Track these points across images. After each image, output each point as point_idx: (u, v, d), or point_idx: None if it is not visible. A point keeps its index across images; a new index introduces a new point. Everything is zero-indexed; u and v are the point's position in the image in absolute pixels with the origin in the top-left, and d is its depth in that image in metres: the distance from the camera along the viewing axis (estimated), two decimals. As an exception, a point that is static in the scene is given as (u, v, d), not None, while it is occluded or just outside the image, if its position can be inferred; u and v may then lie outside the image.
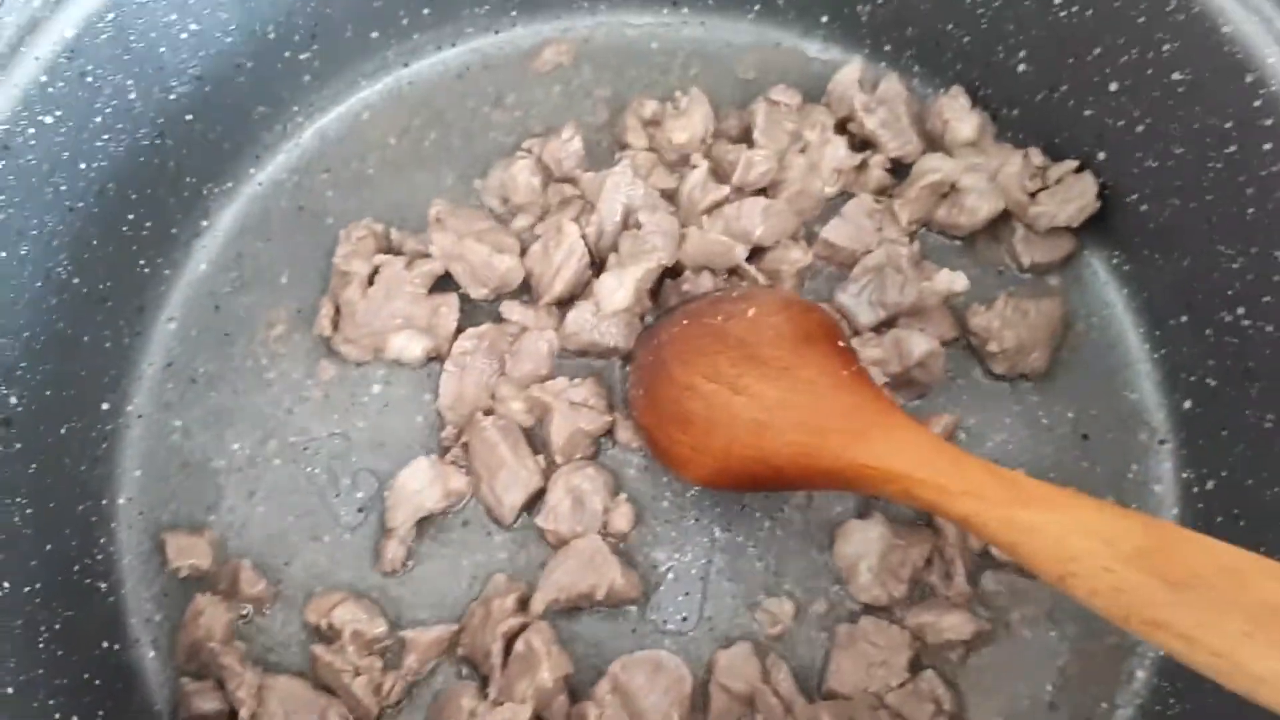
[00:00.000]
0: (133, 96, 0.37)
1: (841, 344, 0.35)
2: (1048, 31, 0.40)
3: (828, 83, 0.44)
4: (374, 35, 0.44)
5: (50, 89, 0.34)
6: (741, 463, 0.34)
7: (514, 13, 0.46)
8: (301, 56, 0.42)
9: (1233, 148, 0.35)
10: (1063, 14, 0.39)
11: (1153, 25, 0.36)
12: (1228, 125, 0.35)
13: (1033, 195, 0.41)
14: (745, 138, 0.44)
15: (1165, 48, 0.36)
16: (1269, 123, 0.34)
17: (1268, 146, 0.34)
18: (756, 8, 0.46)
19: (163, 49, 0.37)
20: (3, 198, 0.33)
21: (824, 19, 0.46)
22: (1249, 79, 0.34)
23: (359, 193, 0.43)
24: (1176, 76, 0.36)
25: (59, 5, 0.34)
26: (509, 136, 0.45)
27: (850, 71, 0.44)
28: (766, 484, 0.35)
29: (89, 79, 0.35)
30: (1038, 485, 0.29)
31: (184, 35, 0.37)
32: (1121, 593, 0.26)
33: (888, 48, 0.45)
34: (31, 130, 0.33)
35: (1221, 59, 0.35)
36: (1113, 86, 0.39)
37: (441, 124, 0.45)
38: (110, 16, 0.35)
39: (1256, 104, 0.34)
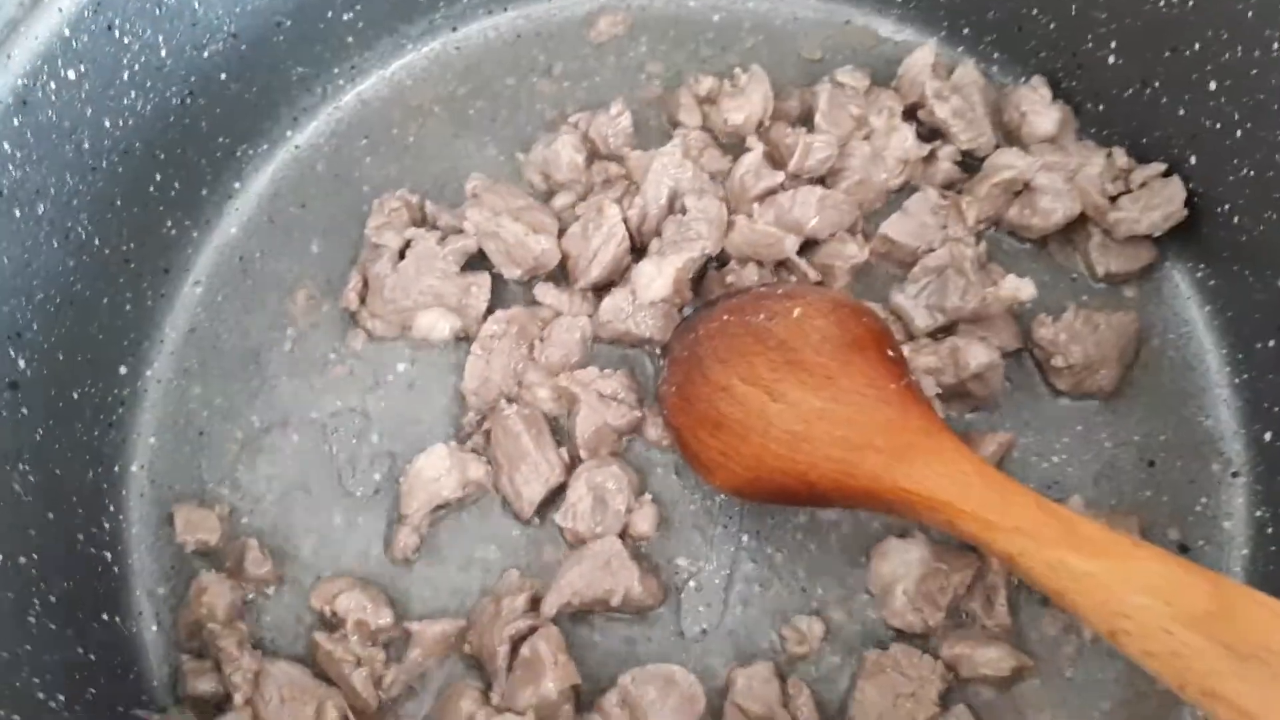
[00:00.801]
0: (163, 53, 0.35)
1: (892, 353, 0.33)
2: (1143, 22, 0.36)
3: (898, 66, 0.41)
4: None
5: (74, 42, 0.32)
6: (773, 474, 0.32)
7: (579, -25, 0.44)
8: (345, 17, 0.41)
9: (1343, 161, 0.32)
10: (1161, 3, 0.35)
11: (1262, 21, 0.33)
12: (1339, 136, 0.32)
13: (1113, 199, 0.38)
14: (806, 121, 0.41)
15: (1275, 47, 0.32)
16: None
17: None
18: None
19: (196, 4, 0.36)
20: (20, 154, 0.32)
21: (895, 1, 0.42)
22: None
23: (398, 161, 0.42)
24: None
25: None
26: (557, 109, 0.43)
27: (923, 55, 0.41)
28: (799, 499, 0.33)
29: (116, 33, 0.34)
30: (1094, 528, 0.27)
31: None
32: (1180, 658, 0.24)
33: (966, 31, 0.42)
34: (53, 85, 0.32)
35: (1339, 62, 0.31)
36: (1211, 85, 0.35)
37: (488, 93, 0.43)
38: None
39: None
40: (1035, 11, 0.39)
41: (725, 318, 0.35)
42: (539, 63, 0.43)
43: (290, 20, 0.39)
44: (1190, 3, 0.35)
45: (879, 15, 0.43)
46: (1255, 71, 0.34)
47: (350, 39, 0.41)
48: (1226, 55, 0.34)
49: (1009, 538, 0.27)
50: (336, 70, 0.42)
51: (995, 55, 0.42)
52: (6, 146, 0.31)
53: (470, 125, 0.42)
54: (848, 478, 0.30)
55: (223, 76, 0.38)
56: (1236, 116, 0.35)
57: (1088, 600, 0.25)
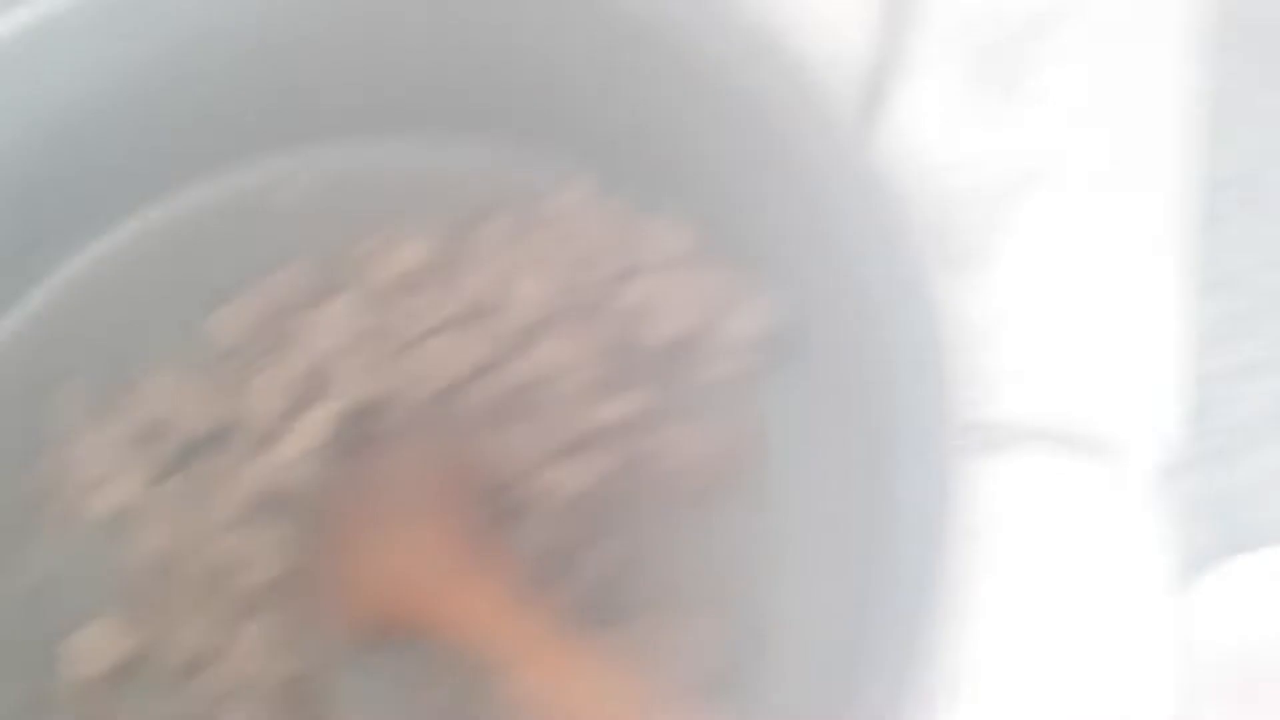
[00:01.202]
0: None
1: (470, 501, 0.37)
2: (725, 166, 0.41)
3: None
4: (104, 189, 0.46)
5: None
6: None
7: (250, 148, 0.48)
8: (26, 234, 0.44)
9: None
10: (733, 153, 0.40)
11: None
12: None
13: (715, 315, 0.42)
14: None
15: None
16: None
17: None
18: (476, 131, 0.47)
19: None
20: None
21: (539, 143, 0.47)
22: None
23: (84, 342, 0.45)
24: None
25: None
26: (239, 271, 0.46)
27: (559, 197, 0.45)
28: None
29: None
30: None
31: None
32: None
33: (598, 167, 0.46)
34: None
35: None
36: (775, 225, 0.40)
37: (178, 260, 0.47)
38: None
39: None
40: (655, 155, 0.44)
41: (352, 467, 0.39)
42: (224, 228, 0.47)
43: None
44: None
45: (526, 158, 0.47)
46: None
47: (43, 242, 0.45)
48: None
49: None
50: (32, 266, 0.45)
51: (629, 184, 0.46)
52: None
53: (156, 296, 0.45)
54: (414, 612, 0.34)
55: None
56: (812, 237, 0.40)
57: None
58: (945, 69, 0.53)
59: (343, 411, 0.41)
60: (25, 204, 0.44)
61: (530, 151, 0.47)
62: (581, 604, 0.38)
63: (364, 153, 0.48)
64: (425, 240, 0.45)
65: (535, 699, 0.30)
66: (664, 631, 0.39)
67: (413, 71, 0.45)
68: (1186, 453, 0.46)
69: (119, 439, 0.41)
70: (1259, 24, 0.62)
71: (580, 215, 0.45)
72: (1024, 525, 0.44)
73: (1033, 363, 0.47)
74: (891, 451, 0.33)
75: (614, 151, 0.46)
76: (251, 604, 0.39)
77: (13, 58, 0.40)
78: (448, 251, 0.46)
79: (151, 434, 0.42)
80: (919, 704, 0.30)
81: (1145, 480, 0.45)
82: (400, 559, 0.34)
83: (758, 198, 0.41)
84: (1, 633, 0.41)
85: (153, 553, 0.40)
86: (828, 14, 0.54)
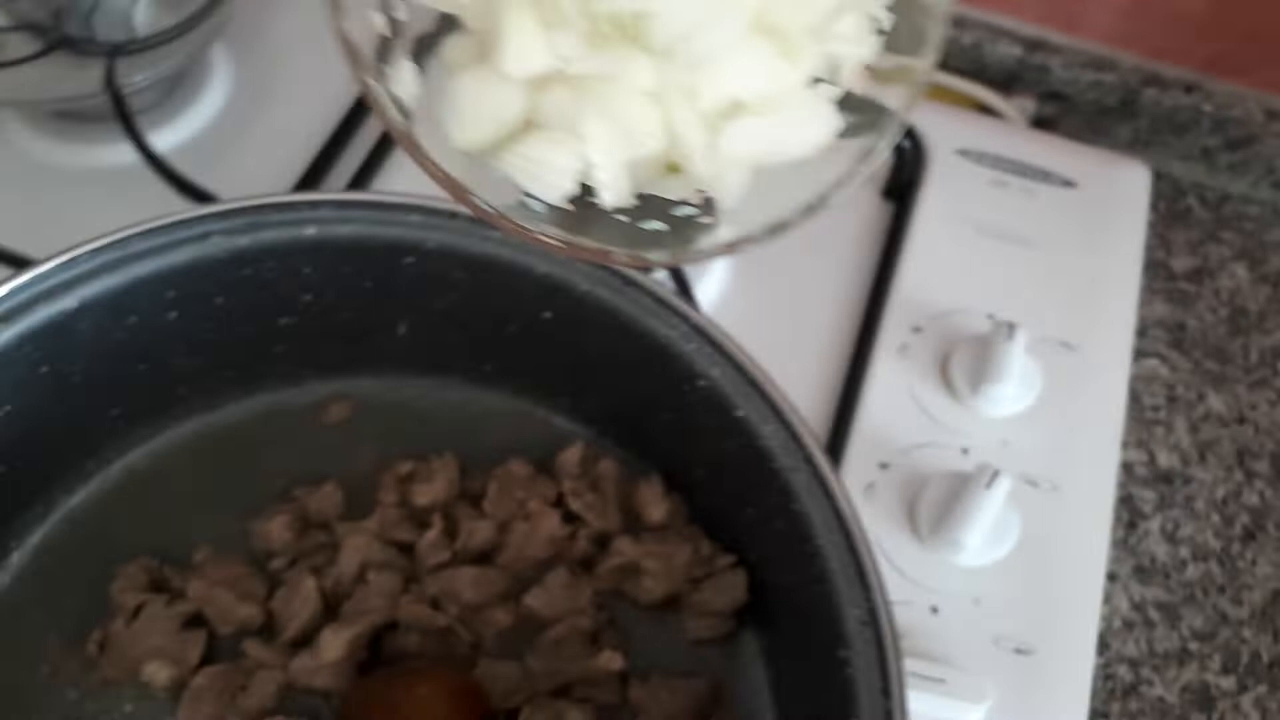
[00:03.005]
0: (-53, 462, 0.45)
1: None
2: (707, 455, 0.49)
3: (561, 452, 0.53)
4: (180, 391, 0.53)
5: None
6: None
7: (309, 371, 0.55)
8: (113, 412, 0.51)
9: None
10: (715, 446, 0.48)
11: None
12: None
13: (697, 582, 0.49)
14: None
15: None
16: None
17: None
18: (514, 382, 0.55)
19: (-23, 424, 0.46)
20: None
21: (564, 400, 0.55)
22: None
23: (148, 526, 0.52)
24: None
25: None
26: (286, 480, 0.53)
27: (571, 453, 0.53)
28: None
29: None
30: None
31: (0, 415, 0.46)
32: None
33: (610, 431, 0.54)
34: None
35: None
36: (749, 512, 0.47)
37: (232, 464, 0.54)
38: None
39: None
40: (653, 433, 0.51)
41: (375, 687, 0.45)
42: (278, 439, 0.54)
43: (65, 423, 0.49)
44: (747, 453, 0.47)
45: (554, 412, 0.55)
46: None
47: (120, 425, 0.52)
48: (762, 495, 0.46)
49: None
50: (107, 448, 0.52)
51: (631, 450, 0.54)
52: None
53: (214, 493, 0.53)
54: None
55: (3, 469, 0.48)
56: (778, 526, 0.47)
57: None
58: (909, 367, 0.61)
59: (363, 633, 0.47)
60: (106, 392, 0.51)
61: (547, 406, 0.55)
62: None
63: (404, 387, 0.55)
64: (450, 473, 0.52)
65: None
66: None
67: (456, 326, 0.53)
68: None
69: (171, 621, 0.48)
70: (1195, 330, 0.71)
71: (584, 472, 0.52)
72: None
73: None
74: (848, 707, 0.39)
75: (616, 422, 0.53)
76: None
77: (115, 262, 0.45)
78: (471, 487, 0.53)
79: (199, 621, 0.48)
80: None
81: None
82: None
83: (730, 479, 0.48)
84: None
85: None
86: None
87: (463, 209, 0.42)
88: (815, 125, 0.26)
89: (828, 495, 0.40)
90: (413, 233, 0.47)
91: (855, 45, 0.26)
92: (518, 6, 0.24)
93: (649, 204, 0.27)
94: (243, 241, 0.46)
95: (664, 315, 0.45)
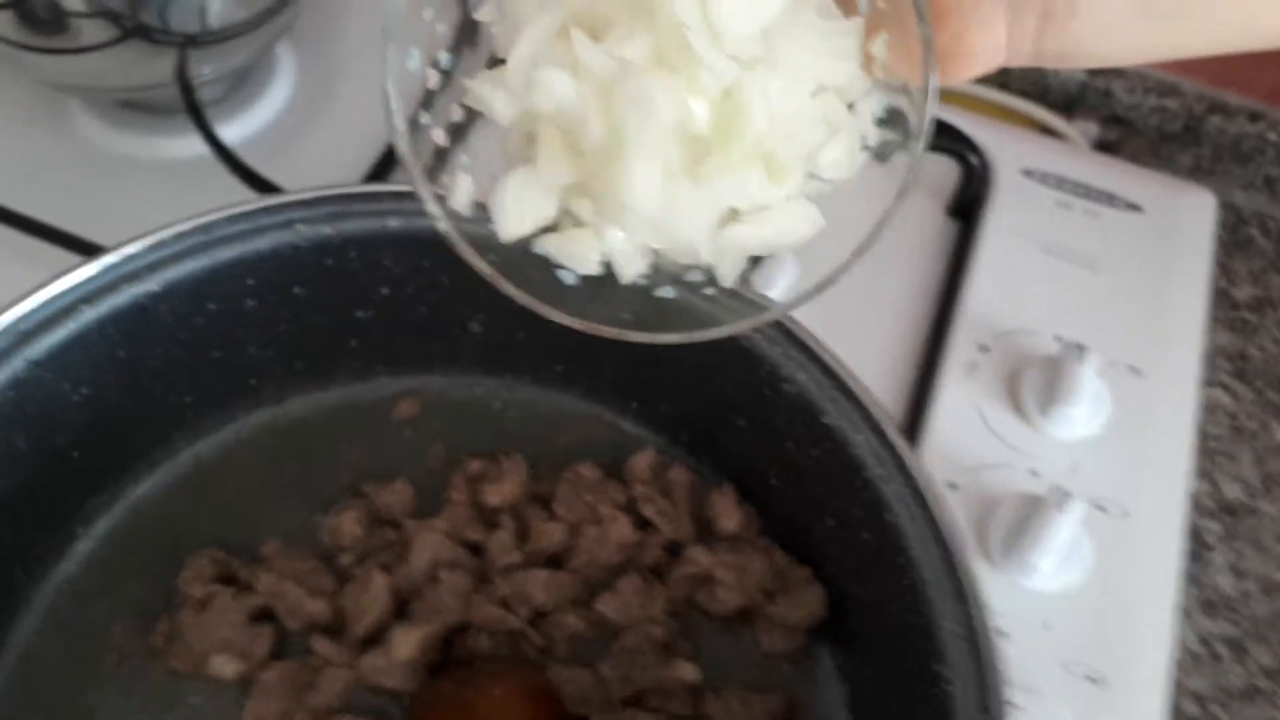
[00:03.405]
0: (22, 446, 0.45)
1: None
2: (788, 463, 0.48)
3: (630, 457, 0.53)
4: (252, 382, 0.52)
5: (-55, 451, 0.42)
6: None
7: (380, 366, 0.54)
8: (185, 400, 0.51)
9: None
10: (797, 453, 0.47)
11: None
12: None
13: (771, 595, 0.48)
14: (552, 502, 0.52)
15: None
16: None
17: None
18: (581, 384, 0.55)
19: (56, 409, 0.45)
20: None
21: (634, 404, 0.54)
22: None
23: (217, 517, 0.51)
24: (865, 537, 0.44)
25: (-33, 388, 0.42)
26: (355, 475, 0.52)
27: (641, 458, 0.52)
28: None
29: (-20, 439, 0.43)
30: None
31: (75, 398, 0.46)
32: None
33: (682, 437, 0.53)
34: (-82, 486, 0.41)
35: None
36: (830, 522, 0.46)
37: (301, 458, 0.53)
38: (10, 392, 0.43)
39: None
40: (728, 440, 0.51)
41: (447, 688, 0.44)
42: (347, 434, 0.54)
43: (137, 408, 0.49)
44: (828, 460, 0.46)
45: (622, 415, 0.55)
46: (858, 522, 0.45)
47: (190, 415, 0.51)
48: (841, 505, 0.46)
49: None
50: (176, 437, 0.52)
51: (703, 458, 0.53)
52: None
53: (281, 486, 0.52)
54: None
55: (74, 454, 0.47)
56: (865, 538, 0.46)
57: None
58: (976, 386, 0.61)
59: (435, 633, 0.46)
60: (179, 380, 0.50)
61: (616, 409, 0.55)
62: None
63: (474, 385, 0.55)
64: (520, 473, 0.52)
65: None
66: None
67: (529, 326, 0.52)
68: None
69: (240, 614, 0.47)
70: (1258, 360, 0.70)
71: (655, 478, 0.52)
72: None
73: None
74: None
75: (688, 427, 0.53)
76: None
77: (198, 247, 0.45)
78: (540, 488, 0.52)
79: (267, 615, 0.48)
80: None
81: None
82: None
83: (811, 488, 0.48)
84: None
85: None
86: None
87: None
88: (802, 224, 0.29)
89: (923, 506, 0.39)
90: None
91: (843, 169, 0.29)
92: (645, 156, 0.27)
93: (662, 273, 0.31)
94: (326, 230, 0.45)
95: (752, 318, 0.44)
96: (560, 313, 0.31)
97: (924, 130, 0.28)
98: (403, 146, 0.30)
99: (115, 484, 0.50)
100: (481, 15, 0.29)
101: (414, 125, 0.30)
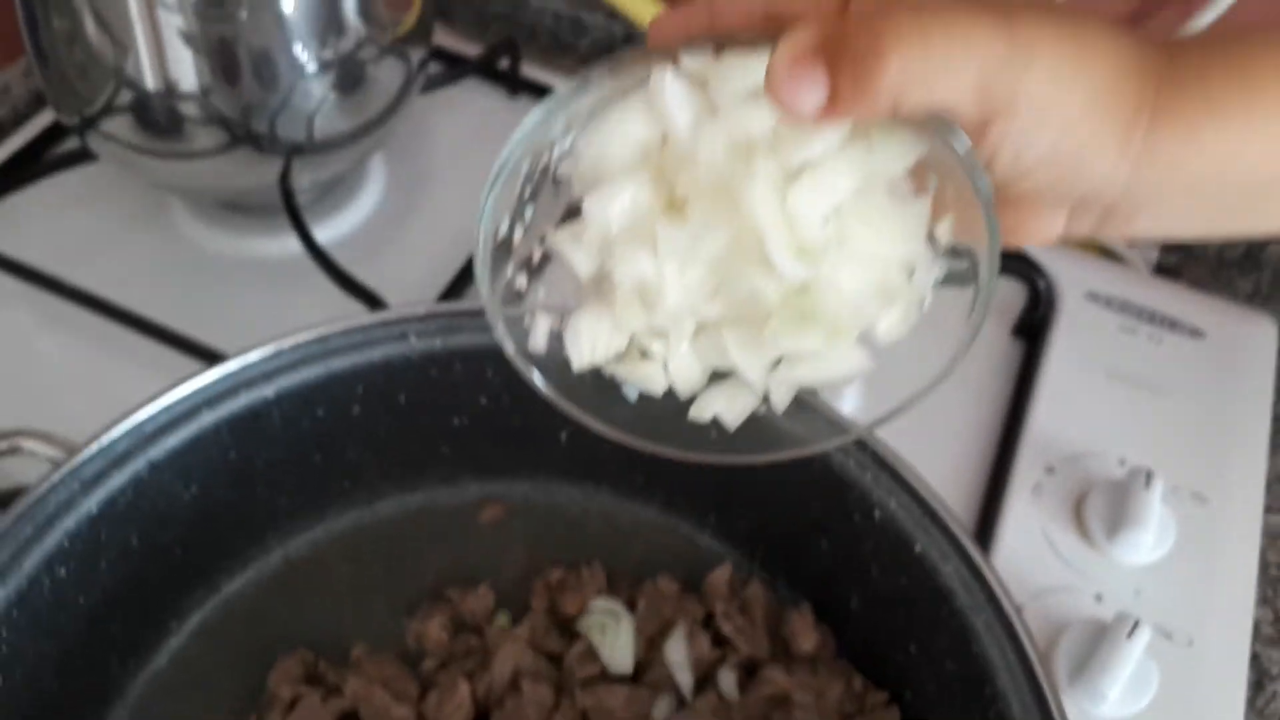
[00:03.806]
0: (134, 543, 0.46)
1: None
2: (871, 587, 0.49)
3: (708, 572, 0.54)
4: (346, 485, 0.54)
5: (68, 548, 0.44)
6: None
7: (468, 472, 0.56)
8: (281, 500, 0.52)
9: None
10: (882, 579, 0.48)
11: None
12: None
13: (848, 718, 0.49)
14: (632, 607, 0.53)
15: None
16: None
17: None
18: (660, 496, 0.56)
19: (167, 508, 0.47)
20: (10, 635, 0.42)
21: (712, 518, 0.55)
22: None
23: (305, 616, 0.52)
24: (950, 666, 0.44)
25: (90, 487, 0.44)
26: (440, 578, 0.54)
27: (720, 574, 0.53)
28: None
29: (102, 537, 0.45)
30: None
31: (186, 497, 0.47)
32: None
33: (759, 554, 0.54)
34: (47, 582, 0.43)
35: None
36: (912, 649, 0.47)
37: (388, 558, 0.54)
38: (129, 492, 0.45)
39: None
40: (808, 560, 0.52)
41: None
42: (433, 536, 0.55)
43: (238, 501, 0.50)
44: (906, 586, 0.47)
45: (699, 529, 0.56)
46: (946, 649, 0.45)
47: (285, 515, 0.53)
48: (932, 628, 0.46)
49: None
50: (269, 535, 0.53)
51: (780, 576, 0.54)
52: (4, 632, 0.42)
53: (368, 586, 0.53)
54: None
55: (177, 550, 0.49)
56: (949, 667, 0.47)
57: None
58: (1042, 508, 0.61)
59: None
60: (280, 481, 0.52)
61: (694, 523, 0.56)
62: None
63: (556, 493, 0.56)
64: (599, 583, 0.53)
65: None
66: None
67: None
68: None
69: (327, 716, 0.48)
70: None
71: (732, 594, 0.53)
72: None
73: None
74: None
75: (766, 544, 0.54)
76: None
77: (314, 355, 0.48)
78: (620, 598, 0.53)
79: (352, 717, 0.49)
80: None
81: None
82: None
83: (895, 614, 0.48)
84: None
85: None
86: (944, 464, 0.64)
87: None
88: (850, 365, 0.32)
89: (1013, 639, 0.40)
90: (596, 346, 0.48)
91: (896, 332, 0.31)
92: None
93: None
94: (436, 343, 0.48)
95: (840, 443, 0.46)
96: (620, 432, 0.35)
97: (989, 286, 0.30)
98: (484, 290, 0.32)
99: (209, 580, 0.52)
100: (563, 169, 0.32)
101: (495, 266, 0.33)
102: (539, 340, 0.34)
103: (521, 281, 0.33)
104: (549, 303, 0.33)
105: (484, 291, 0.32)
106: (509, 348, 0.33)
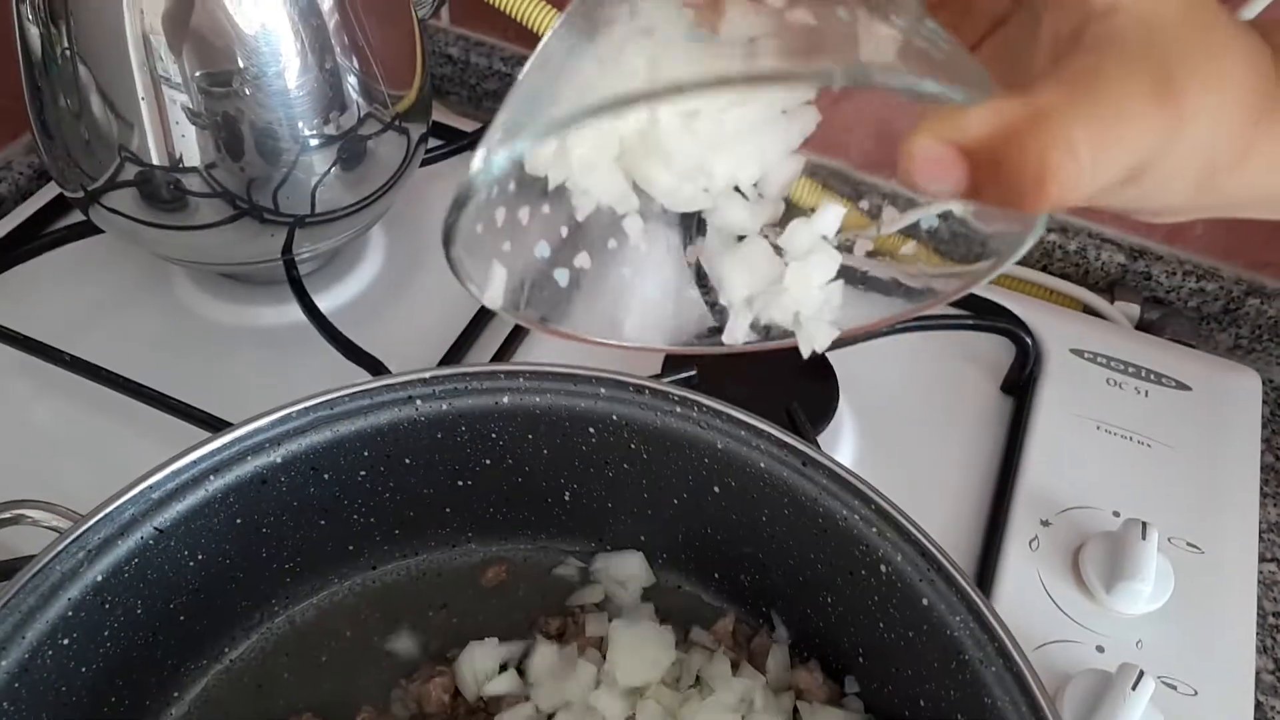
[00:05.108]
0: (139, 611, 0.46)
1: None
2: (878, 641, 0.49)
3: (712, 625, 0.54)
4: (350, 548, 0.54)
5: (73, 618, 0.43)
6: None
7: (470, 534, 0.56)
8: (287, 565, 0.52)
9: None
10: (889, 633, 0.48)
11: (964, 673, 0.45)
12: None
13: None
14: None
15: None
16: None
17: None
18: (663, 554, 0.56)
19: (172, 575, 0.47)
20: (12, 708, 0.42)
21: (715, 576, 0.55)
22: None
23: (311, 680, 0.52)
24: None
25: (95, 555, 0.44)
26: (444, 642, 0.54)
27: (725, 624, 0.53)
28: None
29: (106, 605, 0.45)
30: None
31: (191, 564, 0.47)
32: None
33: (763, 610, 0.55)
34: (50, 652, 0.43)
35: None
36: (923, 704, 0.47)
37: (391, 622, 0.54)
38: (135, 560, 0.45)
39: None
40: (816, 616, 0.52)
41: None
42: (436, 600, 0.55)
43: (243, 573, 0.50)
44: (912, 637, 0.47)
45: (703, 587, 0.56)
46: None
47: (289, 580, 0.53)
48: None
49: None
50: (274, 600, 0.53)
51: (788, 630, 0.54)
52: (6, 705, 0.41)
53: (373, 650, 0.53)
54: None
55: (181, 618, 0.49)
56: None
57: None
58: (1039, 561, 0.62)
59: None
60: (285, 545, 0.52)
61: (697, 580, 0.56)
62: None
63: (558, 552, 0.57)
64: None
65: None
66: None
67: (621, 496, 0.54)
68: None
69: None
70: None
71: (736, 644, 0.53)
72: None
73: None
74: None
75: (775, 604, 0.54)
76: None
77: (321, 421, 0.48)
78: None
79: (356, 787, 0.48)
80: None
81: None
82: None
83: (903, 668, 0.49)
84: None
85: None
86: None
87: (649, 383, 0.45)
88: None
89: (1024, 691, 0.40)
90: (600, 405, 0.49)
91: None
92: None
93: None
94: (442, 407, 0.48)
95: (844, 497, 0.46)
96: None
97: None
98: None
99: (214, 647, 0.52)
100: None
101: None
102: (496, 288, 0.32)
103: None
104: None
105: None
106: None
